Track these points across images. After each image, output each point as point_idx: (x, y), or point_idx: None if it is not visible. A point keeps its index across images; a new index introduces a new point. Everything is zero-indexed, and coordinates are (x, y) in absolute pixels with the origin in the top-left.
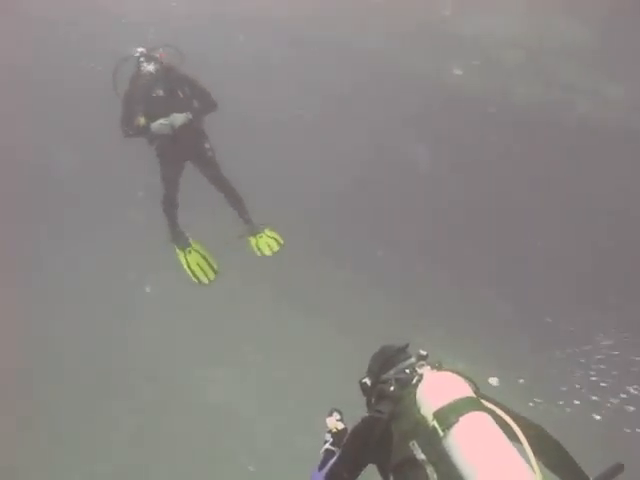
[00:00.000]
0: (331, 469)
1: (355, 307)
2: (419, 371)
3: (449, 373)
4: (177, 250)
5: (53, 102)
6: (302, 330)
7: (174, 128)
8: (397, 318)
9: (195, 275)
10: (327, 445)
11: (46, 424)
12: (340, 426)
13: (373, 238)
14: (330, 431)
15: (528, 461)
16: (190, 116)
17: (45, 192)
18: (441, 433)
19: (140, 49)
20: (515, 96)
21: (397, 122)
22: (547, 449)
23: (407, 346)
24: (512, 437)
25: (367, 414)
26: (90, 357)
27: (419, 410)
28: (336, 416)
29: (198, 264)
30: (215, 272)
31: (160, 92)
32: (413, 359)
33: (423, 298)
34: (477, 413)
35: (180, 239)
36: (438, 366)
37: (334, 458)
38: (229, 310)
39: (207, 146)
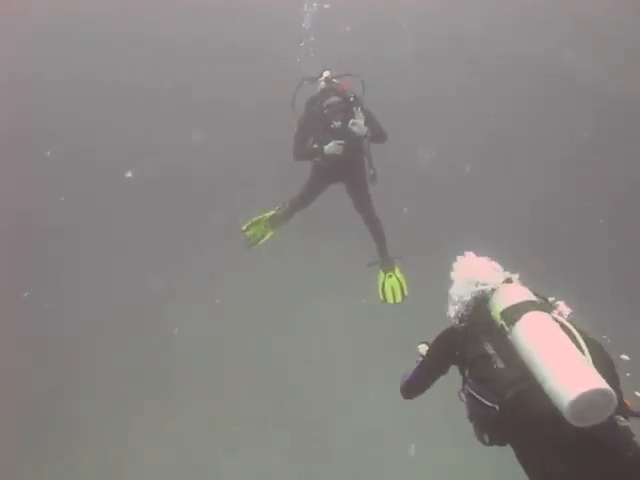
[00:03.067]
0: (418, 365)
1: None
2: (493, 287)
3: (518, 285)
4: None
5: None
6: None
7: (346, 150)
8: None
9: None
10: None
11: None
12: None
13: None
14: (421, 355)
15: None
16: (363, 140)
17: None
18: (507, 329)
19: (326, 73)
20: None
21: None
22: (598, 361)
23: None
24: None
25: None
26: (250, 367)
27: (490, 314)
28: (426, 346)
29: None
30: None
31: (337, 123)
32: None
33: None
34: (538, 312)
35: (278, 223)
36: (509, 280)
37: (422, 359)
38: (394, 332)
39: (371, 172)
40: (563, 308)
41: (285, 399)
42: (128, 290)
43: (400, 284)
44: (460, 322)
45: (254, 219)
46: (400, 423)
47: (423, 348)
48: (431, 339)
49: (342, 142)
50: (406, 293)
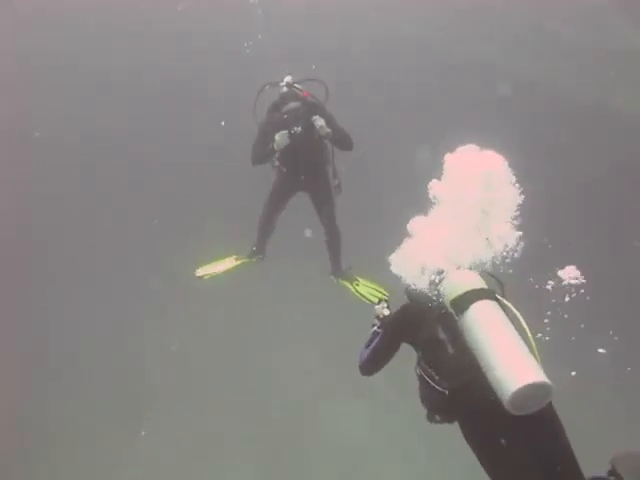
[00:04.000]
0: (374, 345)
1: None
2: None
3: (467, 271)
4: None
5: None
6: None
7: (296, 139)
8: None
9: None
10: (374, 328)
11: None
12: (386, 312)
13: None
14: (377, 317)
15: (527, 343)
16: (321, 131)
17: None
18: (456, 317)
19: (287, 79)
20: None
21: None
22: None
23: None
24: (517, 325)
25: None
26: (221, 383)
27: (441, 300)
28: (383, 305)
29: None
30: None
31: (298, 129)
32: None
33: None
34: (485, 302)
35: (253, 254)
36: (459, 267)
37: (377, 337)
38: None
39: (336, 182)
40: (571, 271)
41: (259, 415)
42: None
43: (371, 286)
44: (413, 302)
45: (213, 263)
46: (376, 438)
47: (379, 309)
48: (389, 299)
49: (285, 131)
50: (383, 290)
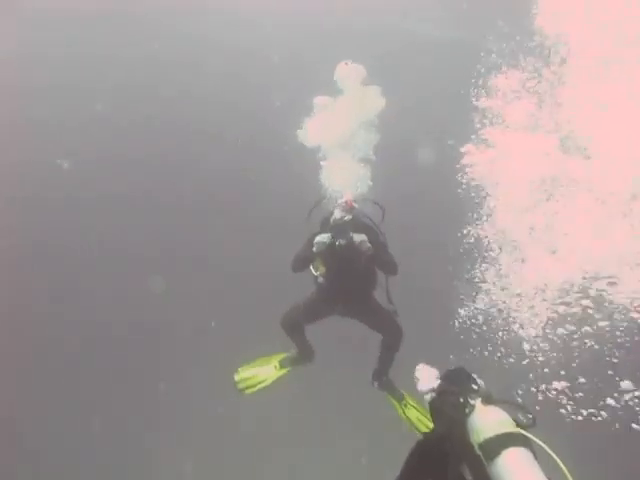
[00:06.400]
0: None
1: None
2: (471, 402)
3: (496, 408)
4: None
5: None
6: None
7: (338, 248)
8: None
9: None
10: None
11: None
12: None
13: None
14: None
15: None
16: (362, 246)
17: None
18: (485, 463)
19: (347, 196)
20: None
21: None
22: None
23: (472, 377)
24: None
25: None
26: None
27: (469, 438)
28: (424, 367)
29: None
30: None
31: (342, 241)
32: (470, 388)
33: None
34: (518, 448)
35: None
36: (488, 399)
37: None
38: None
39: (393, 308)
40: None
41: None
42: None
43: (420, 411)
44: (432, 434)
45: (253, 364)
46: None
47: (420, 371)
48: (429, 363)
49: (327, 234)
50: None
